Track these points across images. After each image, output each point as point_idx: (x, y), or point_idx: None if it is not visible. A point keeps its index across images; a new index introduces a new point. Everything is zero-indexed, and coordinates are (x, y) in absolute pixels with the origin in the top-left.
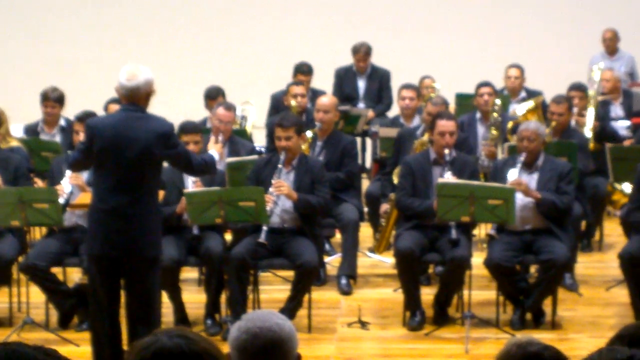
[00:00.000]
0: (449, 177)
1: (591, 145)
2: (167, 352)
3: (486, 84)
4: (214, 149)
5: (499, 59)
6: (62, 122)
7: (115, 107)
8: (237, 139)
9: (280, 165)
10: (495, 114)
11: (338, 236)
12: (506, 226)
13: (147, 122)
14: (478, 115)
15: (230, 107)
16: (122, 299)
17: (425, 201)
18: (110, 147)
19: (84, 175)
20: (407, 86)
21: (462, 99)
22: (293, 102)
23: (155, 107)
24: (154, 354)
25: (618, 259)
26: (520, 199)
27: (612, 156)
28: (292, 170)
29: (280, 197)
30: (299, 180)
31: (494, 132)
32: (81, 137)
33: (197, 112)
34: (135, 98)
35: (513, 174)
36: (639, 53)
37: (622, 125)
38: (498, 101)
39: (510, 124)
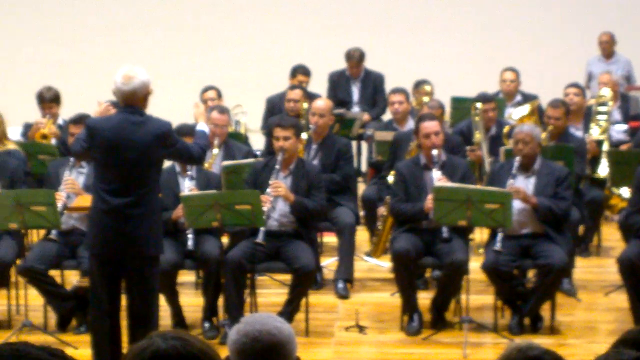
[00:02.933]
0: (438, 177)
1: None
2: (163, 354)
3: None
4: (201, 120)
5: (494, 61)
6: (60, 121)
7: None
8: (232, 142)
9: (277, 167)
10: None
11: (334, 239)
12: (503, 230)
13: (145, 123)
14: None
15: (224, 110)
16: (122, 302)
17: (416, 204)
18: (111, 149)
19: (80, 180)
20: (395, 90)
21: (458, 102)
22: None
23: (150, 108)
24: (150, 357)
25: (617, 264)
26: (517, 203)
27: (610, 160)
28: (290, 174)
29: (277, 198)
30: (295, 184)
31: (477, 135)
32: None
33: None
34: (132, 100)
35: (510, 182)
36: (635, 56)
37: (619, 130)
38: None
39: (506, 128)
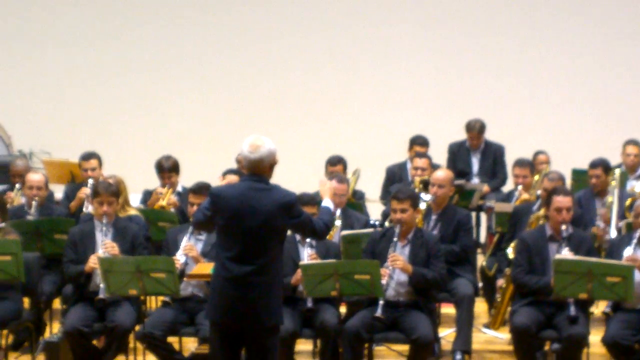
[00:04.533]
0: (566, 254)
1: None
2: None
3: (595, 164)
4: (326, 197)
5: (615, 133)
6: (179, 189)
7: (231, 178)
8: (350, 211)
9: (395, 239)
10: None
11: (452, 310)
12: (623, 304)
13: (270, 192)
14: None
15: (343, 180)
16: None
17: (542, 278)
18: (234, 217)
19: (199, 245)
20: (519, 163)
21: (578, 174)
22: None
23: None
24: None
25: None
26: (637, 277)
27: None
28: (408, 244)
29: (395, 270)
30: (414, 254)
31: (609, 199)
32: (195, 209)
33: (314, 183)
34: (258, 169)
35: (628, 252)
36: None
37: None
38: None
39: (628, 201)
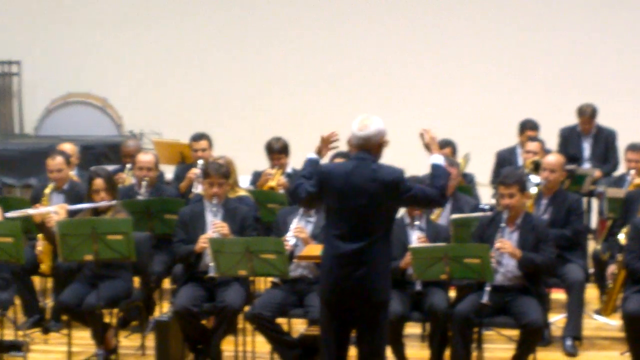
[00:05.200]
0: None
1: None
2: None
3: None
4: (434, 151)
5: None
6: (288, 170)
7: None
8: (460, 195)
9: (502, 224)
10: None
11: (563, 296)
12: None
13: (377, 171)
14: None
15: (453, 163)
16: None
17: None
18: (342, 194)
19: (308, 228)
20: (632, 147)
21: None
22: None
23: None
24: None
25: None
26: None
27: None
28: (516, 229)
29: (504, 255)
30: (522, 239)
31: None
32: None
33: (423, 166)
34: (366, 147)
35: None
36: None
37: None
38: None
39: None
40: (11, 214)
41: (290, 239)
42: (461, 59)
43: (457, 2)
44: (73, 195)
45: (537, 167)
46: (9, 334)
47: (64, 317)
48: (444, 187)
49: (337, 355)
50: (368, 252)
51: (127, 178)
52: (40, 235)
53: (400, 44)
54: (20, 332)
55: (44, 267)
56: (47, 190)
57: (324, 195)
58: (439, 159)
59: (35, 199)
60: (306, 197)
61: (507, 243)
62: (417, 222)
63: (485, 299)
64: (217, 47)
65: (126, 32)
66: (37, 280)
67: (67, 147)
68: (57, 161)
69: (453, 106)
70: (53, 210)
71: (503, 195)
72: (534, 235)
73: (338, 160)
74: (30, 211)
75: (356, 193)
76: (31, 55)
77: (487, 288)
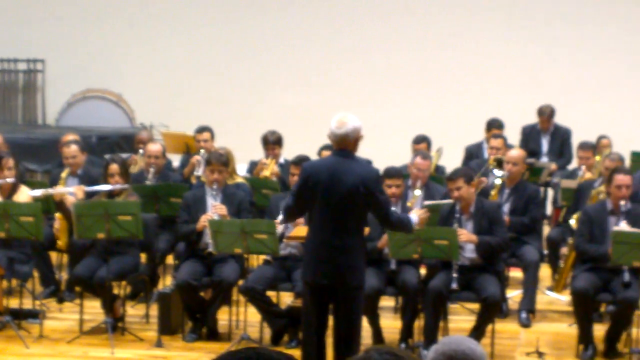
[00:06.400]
0: (623, 226)
1: None
2: None
3: None
4: (415, 214)
5: None
6: (281, 161)
7: (327, 153)
8: (432, 184)
9: (457, 215)
10: None
11: (520, 274)
12: None
13: (355, 166)
14: None
15: (427, 156)
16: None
17: (601, 247)
18: (323, 187)
19: None
20: (583, 146)
21: (636, 156)
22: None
23: (363, 151)
24: None
25: None
26: None
27: None
28: (471, 217)
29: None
30: (477, 224)
31: None
32: (296, 178)
33: (402, 158)
34: (344, 144)
35: None
36: None
37: None
38: None
39: None
40: (35, 192)
41: (280, 221)
42: (439, 64)
43: (434, 4)
44: (86, 179)
45: (499, 163)
46: (27, 303)
47: (77, 289)
48: (400, 224)
49: (317, 325)
50: (345, 239)
51: (140, 160)
52: (57, 215)
53: (385, 48)
54: (38, 302)
55: (61, 243)
56: (64, 175)
57: (307, 189)
58: (414, 218)
59: (53, 183)
60: (287, 210)
61: (463, 232)
62: (393, 208)
63: (454, 285)
64: (220, 50)
65: (140, 35)
66: (53, 256)
67: (71, 137)
68: (72, 149)
69: (429, 106)
70: (72, 190)
71: (451, 189)
72: (487, 219)
73: (325, 152)
74: (51, 191)
75: (336, 185)
76: (54, 55)
77: (455, 275)
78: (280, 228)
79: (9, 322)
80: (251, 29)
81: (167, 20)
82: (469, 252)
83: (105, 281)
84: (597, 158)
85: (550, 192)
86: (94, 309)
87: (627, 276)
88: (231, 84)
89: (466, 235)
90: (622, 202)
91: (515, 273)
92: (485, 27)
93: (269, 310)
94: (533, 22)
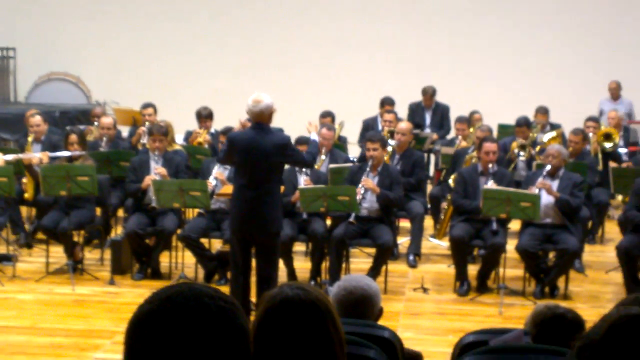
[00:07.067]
0: (491, 185)
1: (600, 166)
2: (290, 300)
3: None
4: (314, 132)
5: (529, 99)
6: (212, 131)
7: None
8: (336, 151)
9: (367, 169)
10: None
11: (408, 224)
12: (532, 221)
13: (270, 136)
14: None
15: (331, 128)
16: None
17: (474, 202)
18: (244, 153)
19: (225, 173)
20: (460, 119)
21: (502, 127)
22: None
23: (279, 122)
24: (280, 302)
25: (615, 250)
26: (544, 198)
27: (613, 174)
28: (377, 174)
29: (367, 192)
30: (381, 181)
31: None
32: (221, 146)
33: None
34: (260, 118)
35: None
36: (636, 98)
37: (622, 152)
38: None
39: (538, 148)
40: (7, 157)
41: (212, 181)
42: (340, 51)
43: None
44: (48, 145)
45: (392, 135)
46: (1, 249)
47: (43, 237)
48: (315, 154)
49: (242, 266)
50: (264, 195)
51: (95, 130)
52: (26, 173)
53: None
54: (11, 247)
55: (27, 195)
56: (30, 139)
57: (232, 154)
58: (315, 137)
59: (22, 149)
60: (221, 159)
61: (369, 181)
62: (304, 170)
63: (352, 218)
64: (163, 40)
65: (96, 27)
66: (23, 210)
67: (34, 111)
68: (36, 119)
69: (333, 85)
70: (39, 155)
71: (369, 149)
72: (389, 179)
73: (248, 123)
74: (21, 155)
75: (255, 152)
76: (23, 44)
77: (353, 214)
78: (211, 186)
79: None
80: (188, 23)
81: (119, 15)
82: (368, 204)
83: (67, 230)
84: (471, 130)
85: (433, 157)
86: (57, 253)
87: (495, 225)
88: (171, 69)
89: (371, 183)
90: (490, 165)
91: (404, 223)
92: (383, 15)
93: (202, 254)
94: (422, 16)
